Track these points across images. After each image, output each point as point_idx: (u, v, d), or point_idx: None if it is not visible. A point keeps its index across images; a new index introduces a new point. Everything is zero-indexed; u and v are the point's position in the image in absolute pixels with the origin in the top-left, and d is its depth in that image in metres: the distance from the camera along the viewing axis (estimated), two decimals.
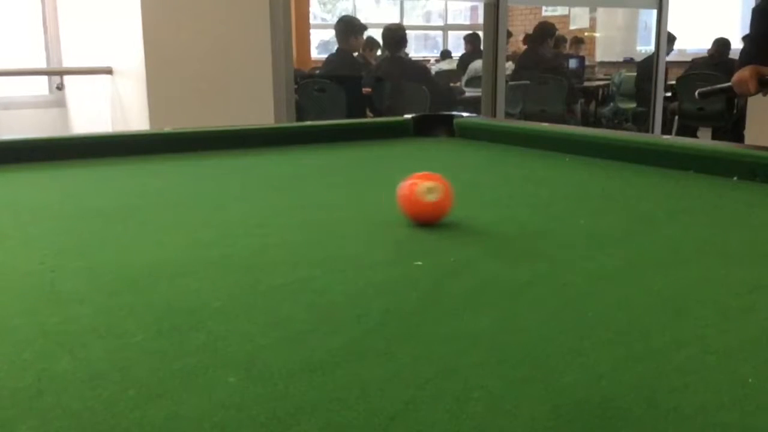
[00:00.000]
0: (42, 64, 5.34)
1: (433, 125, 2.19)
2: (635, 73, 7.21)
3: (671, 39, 7.21)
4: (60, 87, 4.82)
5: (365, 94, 5.34)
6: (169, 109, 3.57)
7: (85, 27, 4.62)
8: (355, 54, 5.63)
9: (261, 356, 0.67)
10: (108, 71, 4.14)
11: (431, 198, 1.10)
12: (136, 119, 3.78)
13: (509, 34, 5.86)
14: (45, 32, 5.35)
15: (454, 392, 0.60)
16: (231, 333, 0.73)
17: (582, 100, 7.09)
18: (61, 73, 5.14)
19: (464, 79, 7.13)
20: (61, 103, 5.25)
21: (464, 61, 7.90)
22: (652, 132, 5.19)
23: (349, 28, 5.36)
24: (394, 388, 0.61)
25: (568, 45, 8.38)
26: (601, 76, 8.80)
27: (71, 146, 1.88)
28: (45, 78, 5.42)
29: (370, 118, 2.42)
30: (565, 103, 6.43)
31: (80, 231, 1.17)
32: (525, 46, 7.15)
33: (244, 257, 1.01)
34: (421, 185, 1.10)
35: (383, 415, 0.56)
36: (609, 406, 0.57)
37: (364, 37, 5.86)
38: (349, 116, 4.86)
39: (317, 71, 5.95)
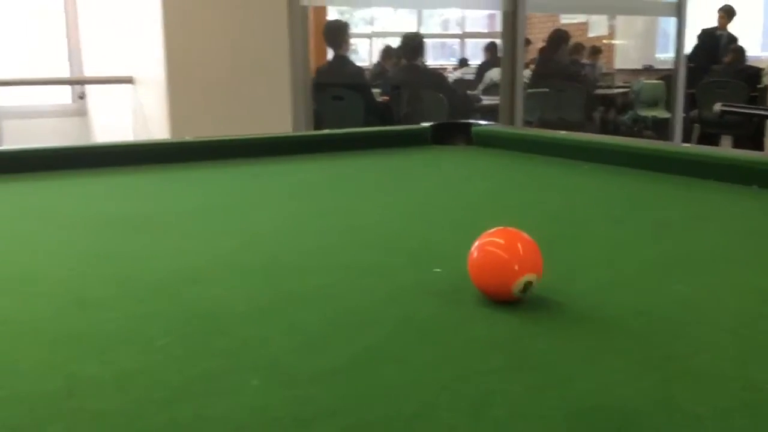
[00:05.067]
0: (65, 74, 5.42)
1: (451, 133, 2.20)
2: (655, 81, 7.18)
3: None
4: (82, 96, 4.89)
5: (382, 102, 5.34)
6: (190, 118, 3.61)
7: (106, 36, 4.68)
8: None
9: (282, 360, 0.69)
10: (129, 80, 4.20)
11: (524, 294, 0.82)
12: (156, 128, 3.83)
13: (527, 42, 5.87)
14: (68, 42, 5.43)
15: (473, 396, 0.61)
16: (253, 338, 0.74)
17: (601, 108, 7.07)
18: (83, 82, 5.21)
19: (481, 86, 7.14)
20: (83, 112, 5.32)
21: (482, 69, 7.91)
22: (673, 140, 5.17)
23: (338, 30, 5.18)
24: (413, 391, 0.62)
25: (586, 53, 8.35)
26: (620, 83, 8.76)
27: (94, 155, 1.91)
28: (67, 87, 5.50)
29: (387, 127, 2.43)
30: (584, 110, 6.42)
31: (105, 238, 1.20)
32: (540, 55, 7.13)
33: (264, 264, 1.03)
34: (519, 283, 0.80)
35: (403, 418, 0.57)
36: (626, 412, 0.58)
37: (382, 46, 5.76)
38: (365, 124, 4.88)
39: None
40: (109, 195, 1.58)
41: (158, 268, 1.01)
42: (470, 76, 8.04)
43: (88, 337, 0.75)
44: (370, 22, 11.11)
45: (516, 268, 0.80)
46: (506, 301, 0.81)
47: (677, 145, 2.91)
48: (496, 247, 0.84)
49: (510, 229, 0.86)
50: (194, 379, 0.65)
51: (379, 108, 5.23)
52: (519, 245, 0.83)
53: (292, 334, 0.75)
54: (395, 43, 6.76)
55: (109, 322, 0.79)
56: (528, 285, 0.80)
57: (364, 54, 10.59)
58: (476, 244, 0.85)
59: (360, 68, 5.67)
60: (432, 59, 9.61)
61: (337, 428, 0.56)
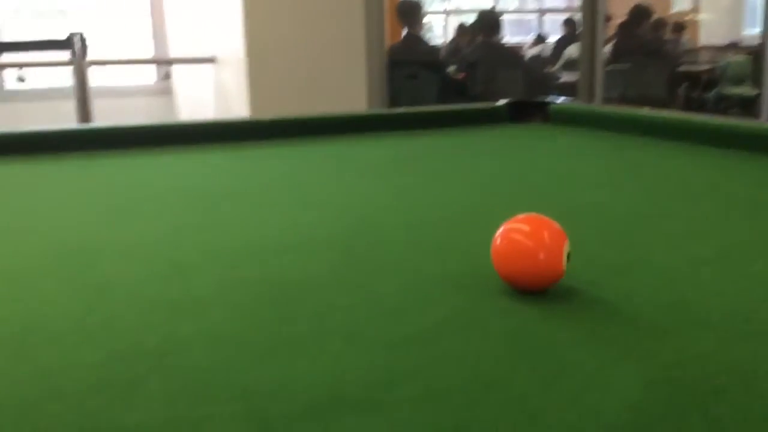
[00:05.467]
0: (150, 55, 5.61)
1: (528, 111, 2.19)
2: (741, 58, 6.86)
3: None
4: (167, 76, 5.06)
5: (458, 80, 5.30)
6: (268, 96, 3.69)
7: (190, 18, 4.82)
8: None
9: (362, 327, 0.72)
10: (211, 60, 4.32)
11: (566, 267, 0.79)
12: (237, 106, 3.93)
13: (607, 17, 5.70)
14: (152, 23, 5.62)
15: (548, 367, 0.62)
16: (334, 306, 0.78)
17: (684, 85, 6.82)
18: (169, 62, 5.39)
19: (559, 63, 6.99)
20: (167, 91, 5.50)
21: (560, 45, 7.74)
22: (760, 119, 4.94)
23: (411, 9, 5.17)
24: (489, 360, 0.64)
25: (669, 29, 8.05)
26: (705, 60, 8.41)
27: (181, 132, 1.99)
28: (153, 67, 5.69)
29: (462, 105, 2.43)
30: (667, 88, 6.20)
31: (193, 211, 1.26)
32: (617, 31, 6.91)
33: (344, 237, 1.06)
34: (565, 251, 0.79)
35: (479, 384, 0.59)
36: (704, 386, 0.58)
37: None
38: (439, 102, 4.87)
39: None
40: (195, 170, 1.65)
41: (245, 238, 1.06)
42: (547, 53, 7.88)
43: (182, 301, 0.80)
44: None
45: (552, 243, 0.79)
46: (556, 279, 0.79)
47: (765, 123, 2.79)
48: (520, 235, 0.81)
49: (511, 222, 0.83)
50: (279, 342, 0.68)
51: (455, 86, 5.20)
52: (529, 227, 0.82)
53: (370, 304, 0.78)
54: (471, 20, 6.69)
55: (200, 288, 0.84)
56: (569, 256, 0.80)
57: (439, 31, 10.51)
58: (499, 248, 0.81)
59: (433, 47, 5.64)
60: (509, 36, 9.45)
61: (416, 390, 0.58)
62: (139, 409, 0.56)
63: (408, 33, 5.06)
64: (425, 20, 5.54)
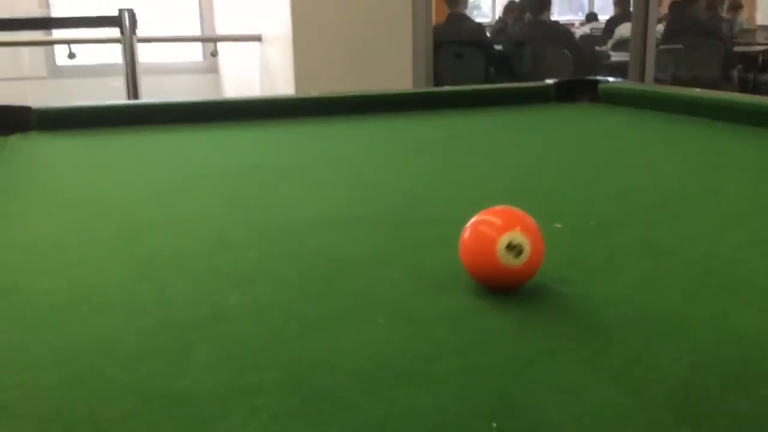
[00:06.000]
0: (197, 32, 5.68)
1: (577, 90, 2.15)
2: None
3: None
4: (214, 53, 5.11)
5: (503, 59, 5.23)
6: (314, 74, 3.70)
7: None
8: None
9: (406, 302, 0.72)
10: (258, 38, 4.35)
11: (517, 262, 0.70)
12: (282, 84, 3.95)
13: None
14: (200, 1, 5.67)
15: (593, 346, 0.62)
16: (379, 281, 0.78)
17: (740, 66, 6.62)
18: (215, 40, 5.44)
19: (610, 42, 6.85)
20: (214, 69, 5.56)
21: (612, 23, 7.57)
22: None
23: None
24: (532, 337, 0.64)
25: (725, 7, 7.81)
26: (762, 40, 8.14)
27: (228, 109, 2.01)
28: (199, 45, 5.76)
29: (510, 84, 2.40)
30: (721, 68, 6.03)
31: (240, 186, 1.28)
32: (670, 9, 6.73)
33: (390, 214, 1.07)
34: (502, 241, 0.70)
35: (521, 361, 0.59)
36: (748, 367, 0.57)
37: None
38: (486, 81, 4.82)
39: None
40: (239, 147, 1.67)
41: (290, 213, 1.07)
42: (598, 32, 7.72)
43: (230, 273, 0.81)
44: None
45: (491, 233, 0.71)
46: (505, 277, 0.71)
47: None
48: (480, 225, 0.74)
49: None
50: (325, 313, 0.69)
51: (502, 64, 5.14)
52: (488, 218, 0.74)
53: (415, 279, 0.79)
54: None
55: (247, 260, 0.86)
56: (515, 246, 0.69)
57: (487, 10, 10.38)
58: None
59: (479, 24, 5.57)
60: (558, 14, 9.29)
61: (457, 365, 0.59)
62: (189, 374, 0.58)
63: (451, 12, 5.01)
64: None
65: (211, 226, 1.01)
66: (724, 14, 7.66)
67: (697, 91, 1.98)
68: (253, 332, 0.66)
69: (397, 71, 3.81)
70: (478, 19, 6.91)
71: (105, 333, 0.66)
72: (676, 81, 5.77)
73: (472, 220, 0.75)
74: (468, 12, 5.39)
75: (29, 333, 0.67)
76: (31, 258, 0.89)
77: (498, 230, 0.71)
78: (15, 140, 1.67)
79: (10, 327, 0.68)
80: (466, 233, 0.74)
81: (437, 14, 5.12)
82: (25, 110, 1.77)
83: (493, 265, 0.70)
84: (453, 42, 4.87)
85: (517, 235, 0.70)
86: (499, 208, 0.76)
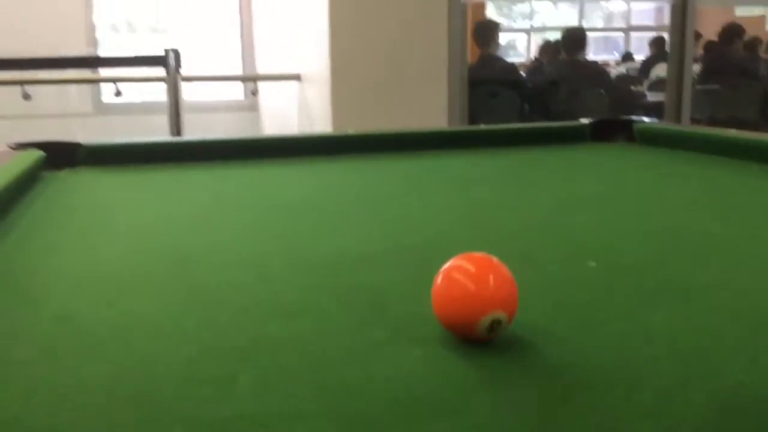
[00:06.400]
0: (238, 71, 5.81)
1: (612, 130, 2.16)
2: None
3: None
4: (255, 92, 5.23)
5: (539, 98, 5.26)
6: (351, 113, 3.77)
7: (277, 36, 4.97)
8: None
9: (442, 335, 0.74)
10: (297, 77, 4.45)
11: (494, 334, 0.70)
12: (320, 122, 4.03)
13: (697, 36, 5.55)
14: (241, 41, 5.83)
15: (627, 380, 0.63)
16: (414, 314, 0.80)
17: None
18: (256, 79, 5.57)
19: (646, 83, 6.84)
20: (254, 107, 5.68)
21: (648, 64, 7.57)
22: None
23: (488, 30, 5.18)
24: (570, 371, 0.65)
25: (764, 48, 7.75)
26: None
27: (265, 146, 2.07)
28: (240, 84, 5.90)
29: (545, 123, 2.42)
30: (760, 109, 5.97)
31: (278, 221, 1.31)
32: (704, 51, 6.70)
33: (424, 249, 1.09)
34: (483, 322, 0.68)
35: (557, 393, 0.61)
36: None
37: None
38: (521, 120, 4.84)
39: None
40: (278, 183, 1.71)
41: (327, 248, 1.10)
42: (634, 72, 7.72)
43: (269, 304, 0.84)
44: (529, 17, 10.95)
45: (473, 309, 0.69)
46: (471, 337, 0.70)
47: None
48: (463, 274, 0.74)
49: (485, 257, 0.76)
50: (362, 345, 0.71)
51: (537, 103, 5.17)
52: (491, 277, 0.72)
53: None
54: (553, 37, 6.62)
55: (286, 293, 0.88)
56: (496, 324, 0.68)
57: (522, 50, 10.46)
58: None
59: (512, 64, 5.62)
60: (593, 54, 9.31)
61: (494, 398, 0.60)
62: (231, 402, 0.60)
63: (483, 53, 5.07)
64: (503, 40, 5.52)
65: (252, 259, 1.05)
66: (763, 54, 7.60)
67: (733, 132, 1.97)
68: (293, 362, 0.68)
69: (433, 110, 3.86)
70: (513, 59, 6.97)
71: (152, 360, 0.69)
72: (713, 121, 5.72)
73: (456, 277, 0.74)
74: (503, 52, 5.45)
75: (81, 359, 0.70)
76: (83, 288, 0.93)
77: (482, 307, 0.69)
78: (65, 175, 1.73)
79: (64, 353, 0.72)
80: (445, 296, 0.72)
81: (470, 55, 5.18)
82: (75, 146, 1.84)
83: (469, 333, 0.70)
84: (487, 81, 4.92)
85: (499, 315, 0.69)
86: (477, 262, 0.75)
